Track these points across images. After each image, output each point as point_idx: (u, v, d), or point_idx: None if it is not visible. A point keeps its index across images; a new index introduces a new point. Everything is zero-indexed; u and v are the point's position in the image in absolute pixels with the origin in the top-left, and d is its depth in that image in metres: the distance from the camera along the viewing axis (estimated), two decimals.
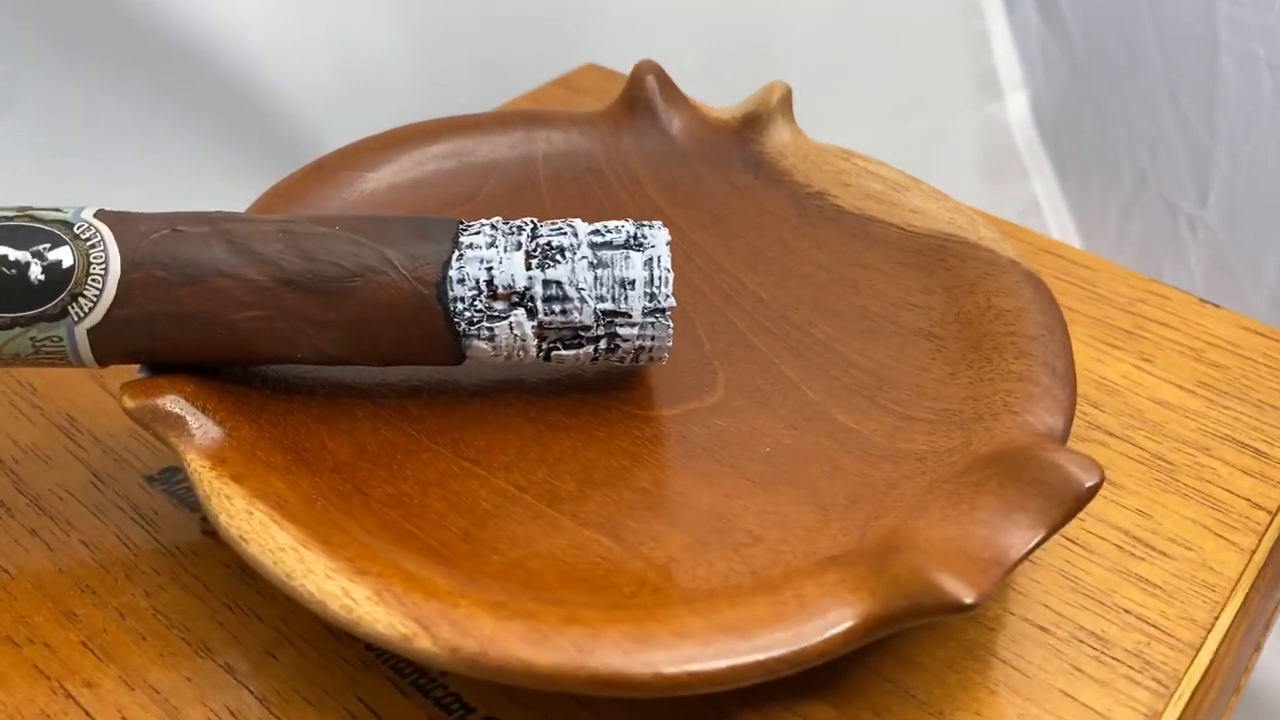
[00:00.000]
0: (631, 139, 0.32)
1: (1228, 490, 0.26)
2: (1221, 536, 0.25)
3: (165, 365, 0.23)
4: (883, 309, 0.27)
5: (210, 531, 0.25)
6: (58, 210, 0.22)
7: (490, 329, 0.23)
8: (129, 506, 0.25)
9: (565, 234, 0.23)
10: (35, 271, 0.21)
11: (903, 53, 0.54)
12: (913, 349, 0.26)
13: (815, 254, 0.29)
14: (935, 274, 0.27)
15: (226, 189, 0.38)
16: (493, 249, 0.23)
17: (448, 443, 0.24)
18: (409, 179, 0.30)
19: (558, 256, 0.23)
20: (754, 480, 0.23)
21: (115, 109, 0.41)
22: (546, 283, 0.23)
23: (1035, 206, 0.56)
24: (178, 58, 0.41)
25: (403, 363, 0.24)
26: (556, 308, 0.23)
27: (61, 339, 0.22)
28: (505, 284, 0.23)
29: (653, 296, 0.23)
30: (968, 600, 0.18)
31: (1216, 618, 0.23)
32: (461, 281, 0.23)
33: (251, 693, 0.22)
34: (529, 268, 0.23)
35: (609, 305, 0.23)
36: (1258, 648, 0.27)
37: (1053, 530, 0.20)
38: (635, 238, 0.23)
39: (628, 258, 0.23)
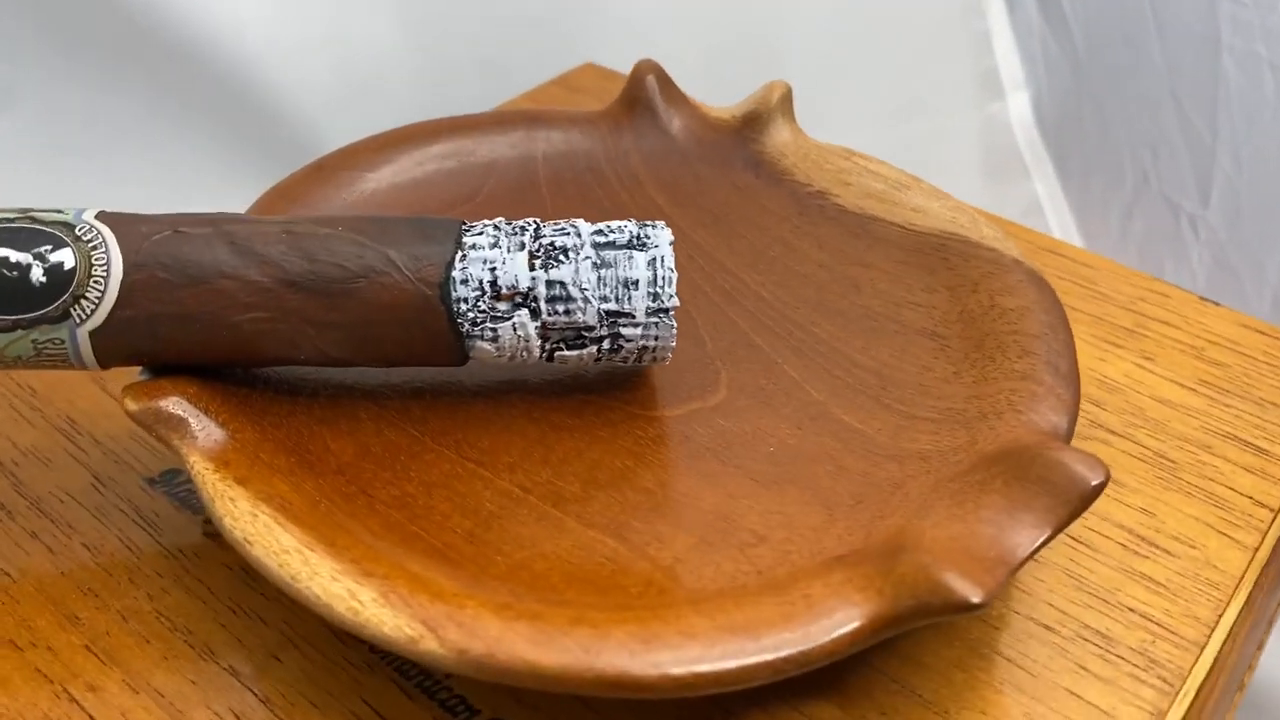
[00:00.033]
0: (632, 139, 0.32)
1: (1230, 488, 0.26)
2: (1224, 534, 0.25)
3: (167, 367, 0.23)
4: (885, 308, 0.27)
5: (212, 533, 0.24)
6: (59, 212, 0.22)
7: (494, 330, 0.23)
8: (130, 509, 0.25)
9: (568, 234, 0.23)
10: (37, 273, 0.21)
11: (904, 52, 0.54)
12: (915, 348, 0.26)
13: (817, 253, 0.29)
14: (937, 273, 0.27)
15: (226, 189, 0.38)
16: (496, 249, 0.23)
17: (451, 444, 0.24)
18: (409, 179, 0.30)
19: (561, 257, 0.23)
20: (758, 480, 0.23)
21: (115, 109, 0.41)
22: (550, 283, 0.23)
23: (1037, 207, 0.56)
24: (178, 58, 0.41)
25: (406, 364, 0.24)
26: (560, 308, 0.23)
27: (63, 341, 0.22)
28: (509, 284, 0.23)
29: (656, 296, 0.23)
30: (975, 600, 0.18)
31: (1220, 615, 0.23)
32: (465, 282, 0.23)
33: (256, 695, 0.22)
34: (532, 268, 0.23)
35: (612, 305, 0.23)
36: (1260, 645, 0.28)
37: (1059, 529, 0.20)
38: (638, 238, 0.23)
39: (631, 258, 0.23)
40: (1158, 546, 0.24)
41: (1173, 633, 0.23)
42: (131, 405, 0.22)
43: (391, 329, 0.23)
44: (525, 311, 0.23)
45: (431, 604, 0.18)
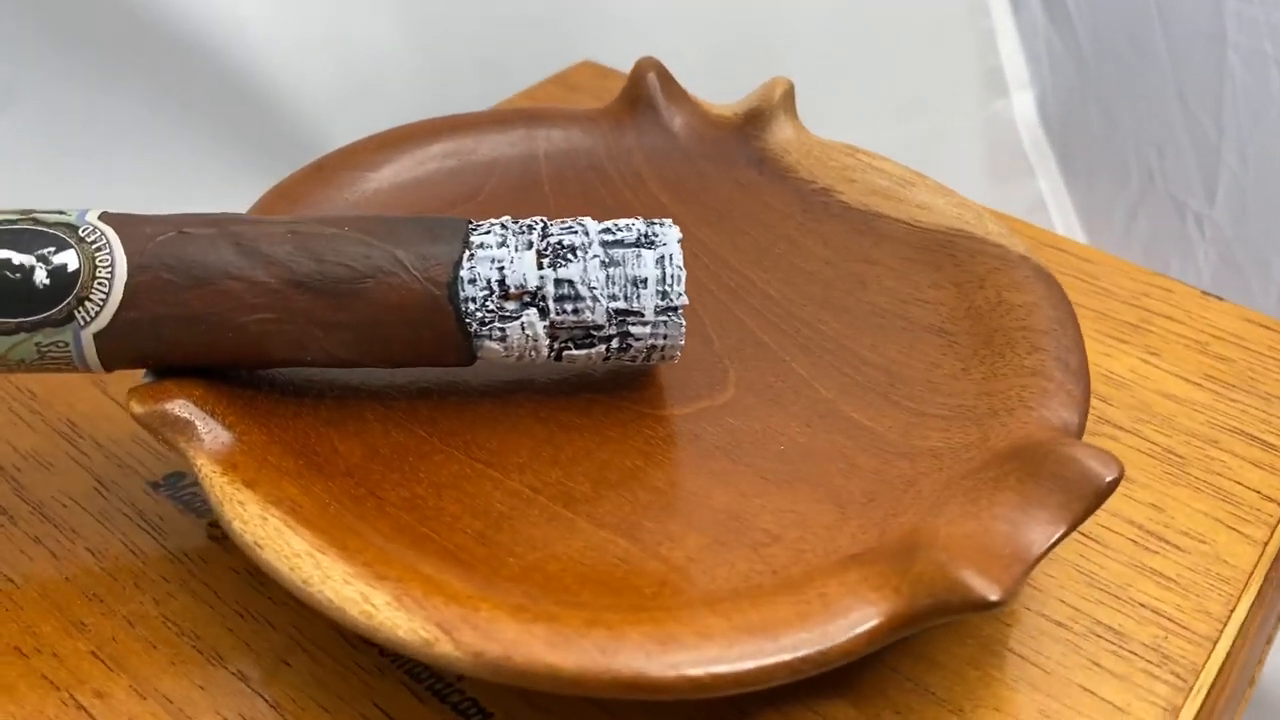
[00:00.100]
0: (634, 136, 0.32)
1: (1238, 482, 0.26)
2: (1234, 529, 0.25)
3: (171, 369, 0.22)
4: (892, 305, 0.27)
5: (218, 537, 0.24)
6: (61, 213, 0.22)
7: (502, 329, 0.23)
8: (134, 513, 0.25)
9: (576, 232, 0.23)
10: (40, 276, 0.21)
11: (908, 51, 0.54)
12: (923, 345, 0.26)
13: (822, 250, 0.29)
14: (944, 269, 0.27)
15: (227, 189, 0.38)
16: (504, 248, 0.23)
17: (460, 445, 0.23)
18: (410, 178, 0.30)
19: (569, 255, 0.23)
20: (769, 479, 0.23)
21: (115, 108, 0.41)
22: (558, 281, 0.23)
23: (1041, 205, 0.56)
24: (178, 57, 0.40)
25: (413, 364, 0.24)
26: (569, 307, 0.23)
27: (67, 344, 0.21)
28: (517, 284, 0.22)
29: (665, 295, 0.23)
30: (994, 597, 0.18)
31: (1232, 610, 0.23)
32: (473, 282, 0.22)
33: (265, 700, 0.21)
34: (540, 267, 0.23)
35: (621, 304, 0.23)
36: (1270, 640, 0.28)
37: (1073, 526, 0.19)
38: (646, 236, 0.23)
39: (639, 256, 0.23)
40: (1167, 542, 0.24)
41: (1185, 628, 0.23)
42: (137, 408, 0.21)
43: (399, 329, 0.22)
44: (534, 311, 0.23)
45: (446, 606, 0.18)
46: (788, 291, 0.28)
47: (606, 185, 0.31)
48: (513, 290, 0.23)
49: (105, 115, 0.40)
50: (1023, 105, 0.55)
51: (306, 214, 0.27)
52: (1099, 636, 0.23)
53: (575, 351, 0.23)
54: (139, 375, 0.23)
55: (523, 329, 0.23)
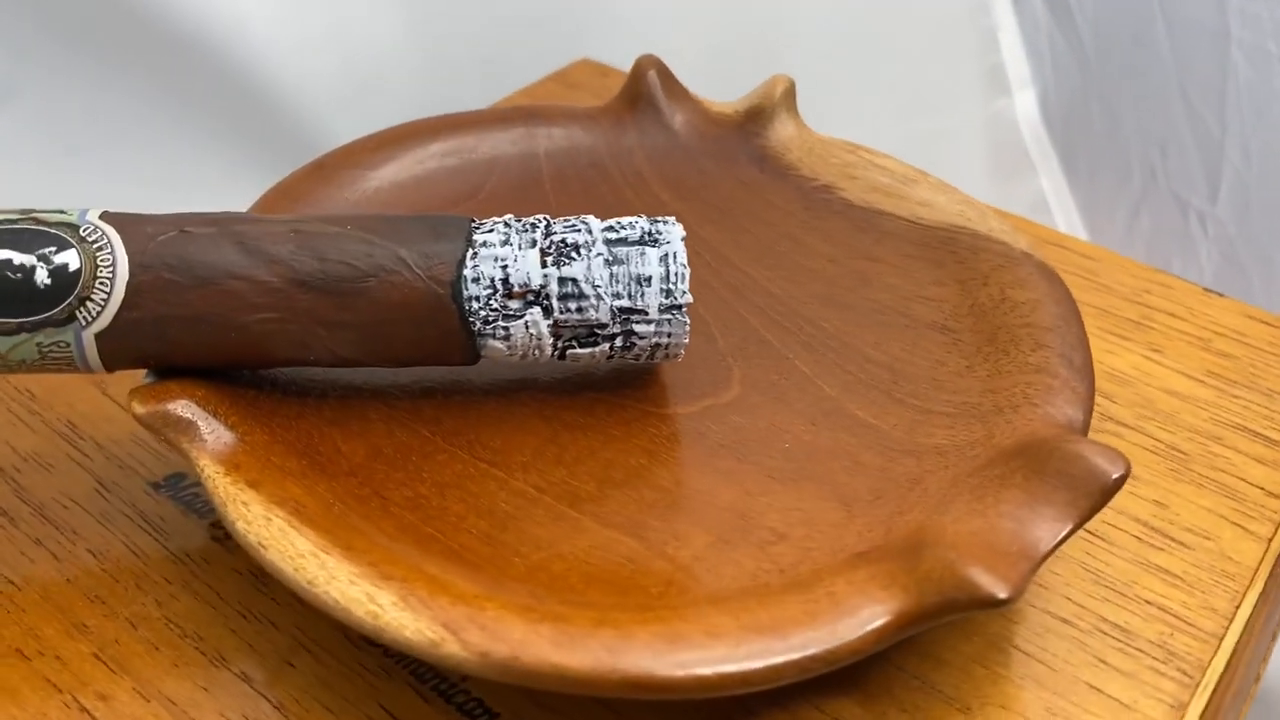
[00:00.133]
0: (635, 134, 0.32)
1: (1242, 479, 0.26)
2: (1238, 525, 0.25)
3: (173, 369, 0.22)
4: (895, 302, 0.27)
5: (220, 538, 0.24)
6: (62, 212, 0.22)
7: (506, 328, 0.23)
8: (135, 514, 0.25)
9: (579, 231, 0.23)
10: (41, 275, 0.21)
11: (910, 49, 0.54)
12: (927, 342, 0.26)
13: (824, 248, 0.29)
14: (946, 266, 0.27)
15: (228, 187, 0.38)
16: (507, 247, 0.23)
17: (464, 444, 0.23)
18: (410, 177, 0.30)
19: (573, 253, 0.23)
20: (775, 477, 0.23)
21: (116, 106, 0.41)
22: (562, 280, 0.22)
23: (1043, 204, 0.56)
24: (179, 55, 0.40)
25: (417, 363, 0.23)
26: (573, 305, 0.23)
27: (69, 344, 0.21)
28: (521, 282, 0.22)
29: (669, 293, 0.23)
30: (1002, 595, 0.18)
31: (1238, 607, 0.23)
32: (476, 280, 0.22)
33: (270, 702, 0.21)
34: (544, 265, 0.22)
35: (625, 302, 0.23)
36: (1275, 636, 0.28)
37: (1080, 523, 0.19)
38: (650, 234, 0.23)
39: (643, 254, 0.23)
40: (1172, 539, 0.24)
41: (1191, 625, 0.23)
42: (139, 409, 0.21)
43: (403, 328, 0.22)
44: (537, 309, 0.23)
45: (452, 606, 0.18)
46: (790, 289, 0.28)
47: (607, 183, 0.31)
48: (516, 289, 0.22)
49: (106, 114, 0.40)
50: (1025, 103, 0.55)
51: (307, 212, 0.27)
52: (1105, 633, 0.22)
53: (579, 350, 0.23)
54: (140, 376, 0.23)
55: (526, 328, 0.23)
